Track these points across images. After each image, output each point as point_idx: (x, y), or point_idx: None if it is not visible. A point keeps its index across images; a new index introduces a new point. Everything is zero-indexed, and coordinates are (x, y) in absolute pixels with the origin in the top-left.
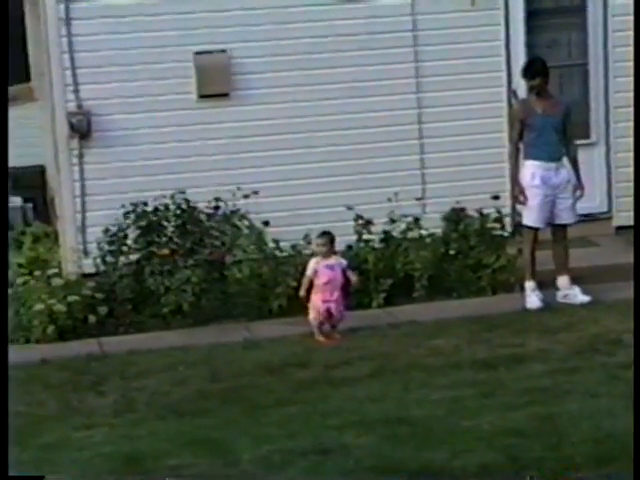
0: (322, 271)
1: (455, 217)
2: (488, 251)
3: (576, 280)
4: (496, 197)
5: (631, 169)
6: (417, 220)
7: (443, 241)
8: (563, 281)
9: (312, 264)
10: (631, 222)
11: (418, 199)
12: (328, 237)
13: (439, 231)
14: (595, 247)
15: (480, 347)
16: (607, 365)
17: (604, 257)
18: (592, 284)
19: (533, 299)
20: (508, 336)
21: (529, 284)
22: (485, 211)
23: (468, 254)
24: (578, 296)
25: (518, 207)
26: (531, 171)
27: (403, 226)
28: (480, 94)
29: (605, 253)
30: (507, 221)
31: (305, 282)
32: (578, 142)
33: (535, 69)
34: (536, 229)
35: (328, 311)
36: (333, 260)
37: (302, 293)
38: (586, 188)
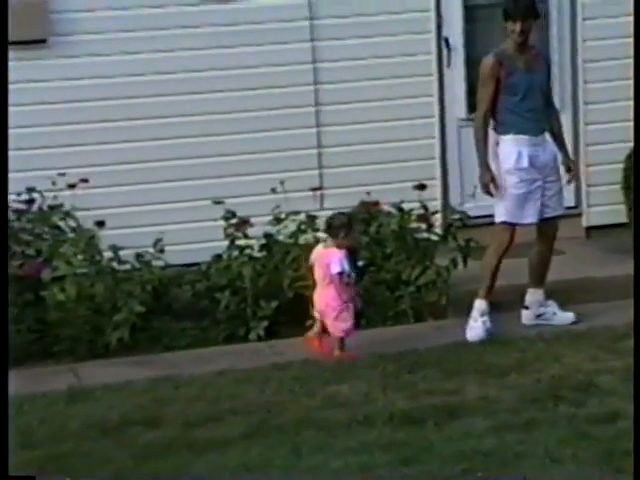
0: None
1: (365, 214)
2: (410, 261)
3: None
4: (422, 186)
5: (608, 147)
6: (312, 218)
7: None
8: (537, 296)
9: (342, 256)
10: (607, 221)
11: (314, 189)
12: None
13: None
14: (559, 255)
15: (399, 395)
16: (574, 418)
17: (571, 269)
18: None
19: (478, 326)
20: (438, 379)
21: (480, 304)
22: (406, 206)
23: (383, 266)
24: (559, 314)
25: (494, 199)
26: (516, 149)
27: (293, 227)
28: (401, 42)
29: (572, 263)
30: (437, 219)
31: (342, 281)
32: None
33: (526, 6)
34: (514, 227)
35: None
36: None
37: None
38: None
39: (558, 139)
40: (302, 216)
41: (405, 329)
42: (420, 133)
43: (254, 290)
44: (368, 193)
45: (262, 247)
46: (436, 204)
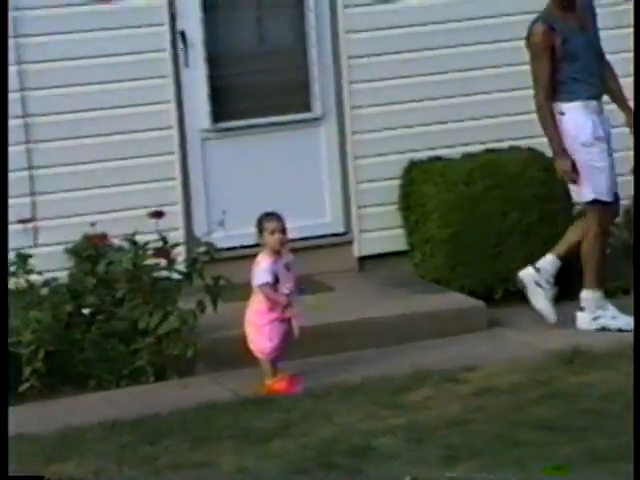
0: (283, 275)
1: (91, 250)
2: (148, 307)
3: (302, 347)
4: (159, 214)
5: (381, 159)
6: (24, 258)
7: (71, 293)
8: (594, 296)
9: (267, 264)
10: (382, 249)
11: (24, 221)
12: (283, 220)
13: (64, 275)
14: (327, 292)
15: (138, 471)
16: None
17: (341, 309)
18: (324, 354)
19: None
20: (185, 449)
21: (590, 294)
22: (141, 238)
23: (114, 313)
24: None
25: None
26: (589, 117)
27: None
28: (127, 38)
29: (343, 302)
30: (179, 254)
31: (272, 295)
32: (292, 117)
33: None
34: (609, 206)
35: (286, 335)
36: (288, 255)
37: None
38: (309, 193)
39: (619, 98)
40: (11, 255)
41: (143, 390)
42: (155, 149)
43: None
44: (93, 224)
45: None
46: (177, 235)
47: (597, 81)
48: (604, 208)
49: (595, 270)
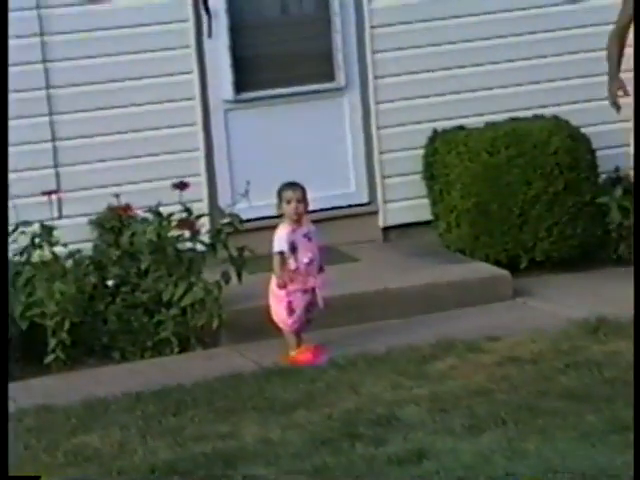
0: (302, 244)
1: (115, 221)
2: (172, 278)
3: (327, 317)
4: (183, 185)
5: (405, 129)
6: (48, 230)
7: (95, 264)
8: None
9: (284, 233)
10: (407, 219)
11: (49, 193)
12: (302, 189)
13: (87, 247)
14: (352, 263)
15: (163, 442)
16: (373, 460)
17: (366, 279)
18: (349, 325)
19: None
20: (210, 420)
21: None
22: (165, 209)
23: (138, 284)
24: None
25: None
26: None
27: (24, 241)
28: (150, 9)
29: (367, 272)
30: (203, 225)
31: (279, 266)
32: (315, 87)
33: None
34: None
35: (311, 306)
36: (309, 225)
37: (283, 280)
38: (333, 163)
39: None
40: (35, 227)
41: (167, 361)
42: (178, 119)
43: None
44: (117, 195)
45: None
46: (201, 206)
47: None
48: None
49: None
